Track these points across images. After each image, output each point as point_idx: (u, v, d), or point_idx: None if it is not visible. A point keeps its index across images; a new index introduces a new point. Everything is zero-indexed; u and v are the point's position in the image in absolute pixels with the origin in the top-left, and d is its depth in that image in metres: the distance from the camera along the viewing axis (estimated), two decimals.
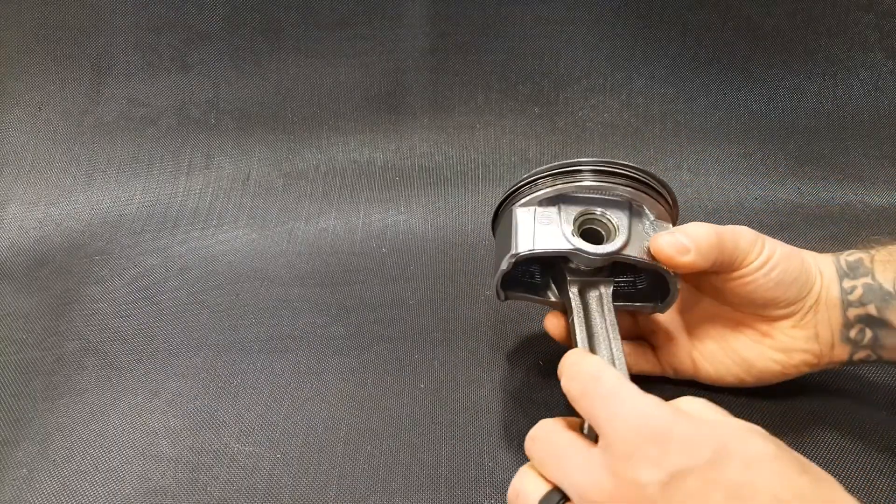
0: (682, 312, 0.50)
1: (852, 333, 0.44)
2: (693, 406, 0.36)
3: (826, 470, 0.31)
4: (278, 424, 0.50)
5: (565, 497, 0.34)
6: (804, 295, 0.44)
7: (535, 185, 0.46)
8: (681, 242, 0.42)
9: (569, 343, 0.45)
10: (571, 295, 0.45)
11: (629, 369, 0.47)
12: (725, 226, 0.43)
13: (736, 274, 0.43)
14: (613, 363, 0.42)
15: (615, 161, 0.45)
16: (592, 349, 0.43)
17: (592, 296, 0.46)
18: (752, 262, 0.43)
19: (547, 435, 0.38)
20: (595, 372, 0.36)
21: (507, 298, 0.48)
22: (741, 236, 0.43)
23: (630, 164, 0.45)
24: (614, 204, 0.45)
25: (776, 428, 0.34)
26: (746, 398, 0.48)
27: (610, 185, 0.44)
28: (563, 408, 0.48)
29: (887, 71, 0.74)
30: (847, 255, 0.45)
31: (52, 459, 0.47)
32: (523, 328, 0.56)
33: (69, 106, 0.74)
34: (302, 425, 0.49)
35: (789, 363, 0.45)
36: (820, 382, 0.50)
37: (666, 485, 0.31)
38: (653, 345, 0.50)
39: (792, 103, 0.75)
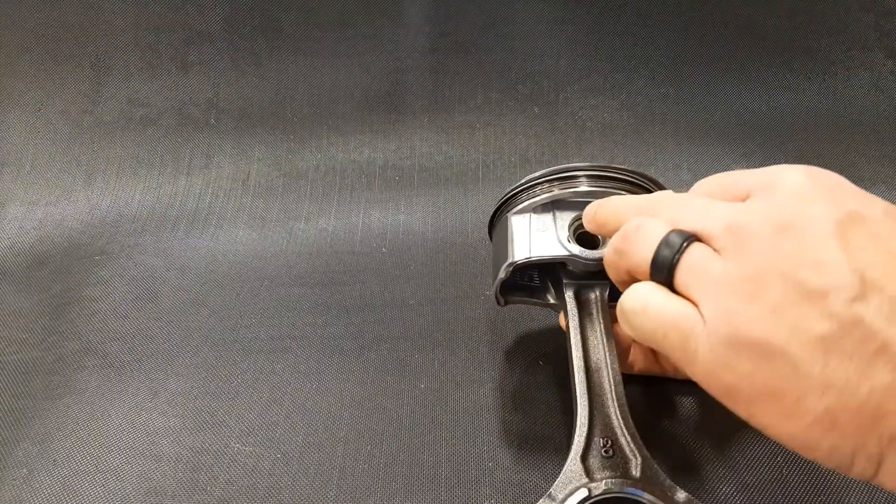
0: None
1: None
2: None
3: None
4: (278, 424, 0.49)
5: (695, 237, 0.32)
6: None
7: (530, 191, 0.46)
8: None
9: None
10: (567, 298, 0.46)
11: (630, 369, 0.48)
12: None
13: None
14: (607, 366, 0.42)
15: (609, 165, 0.45)
16: (587, 351, 0.43)
17: (588, 298, 0.46)
18: None
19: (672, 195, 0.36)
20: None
21: (506, 303, 0.49)
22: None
23: (624, 167, 0.45)
24: None
25: None
26: None
27: (605, 189, 0.45)
28: (565, 408, 0.48)
29: (887, 71, 0.74)
30: None
31: (52, 459, 0.47)
32: (524, 328, 0.56)
33: (69, 106, 0.74)
34: (302, 425, 0.49)
35: None
36: None
37: (841, 221, 0.28)
38: None
39: (792, 103, 0.75)
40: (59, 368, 0.54)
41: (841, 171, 0.31)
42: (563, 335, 0.46)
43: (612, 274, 0.37)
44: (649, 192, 0.46)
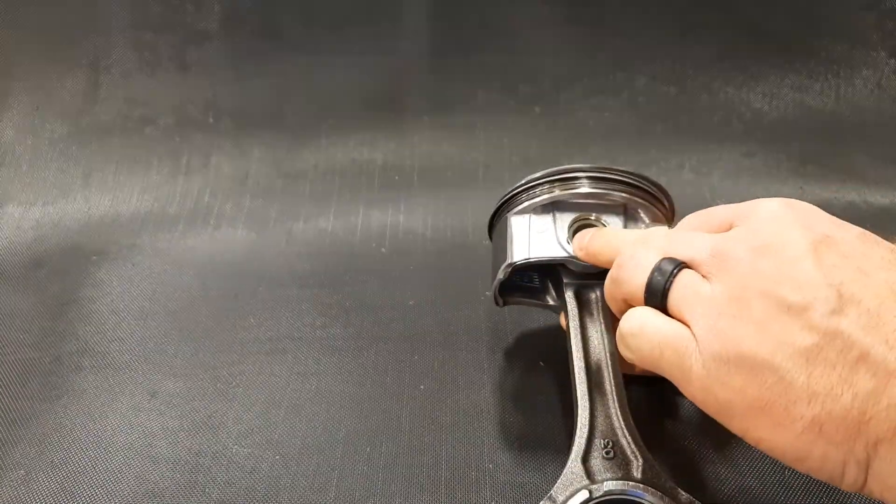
0: None
1: None
2: None
3: None
4: (277, 426, 0.49)
5: (684, 265, 0.34)
6: None
7: (530, 192, 0.46)
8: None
9: None
10: (568, 298, 0.46)
11: (632, 370, 0.47)
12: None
13: None
14: (608, 366, 0.42)
15: (610, 167, 0.45)
16: (587, 352, 0.43)
17: (588, 299, 0.46)
18: None
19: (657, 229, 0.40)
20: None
21: (505, 304, 0.49)
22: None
23: (624, 169, 0.45)
24: (609, 208, 0.45)
25: None
26: None
27: (604, 191, 0.45)
28: (565, 410, 0.48)
29: (890, 70, 0.74)
30: None
31: (49, 460, 0.47)
32: (524, 329, 0.56)
33: (66, 106, 0.74)
34: (301, 426, 0.49)
35: None
36: None
37: (816, 242, 0.30)
38: None
39: (794, 103, 0.75)
40: (56, 369, 0.54)
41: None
42: (564, 336, 0.46)
43: (612, 304, 0.40)
44: (650, 194, 0.46)
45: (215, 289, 0.62)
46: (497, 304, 0.48)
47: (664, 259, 0.35)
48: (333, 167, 0.74)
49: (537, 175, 0.46)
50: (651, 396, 0.49)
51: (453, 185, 0.73)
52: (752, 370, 0.29)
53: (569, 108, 0.76)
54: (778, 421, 0.29)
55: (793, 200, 0.34)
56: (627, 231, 0.43)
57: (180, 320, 0.58)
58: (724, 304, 0.31)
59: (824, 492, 0.43)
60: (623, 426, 0.39)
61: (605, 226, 0.45)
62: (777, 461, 0.30)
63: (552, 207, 0.45)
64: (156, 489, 0.45)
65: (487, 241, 0.52)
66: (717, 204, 0.40)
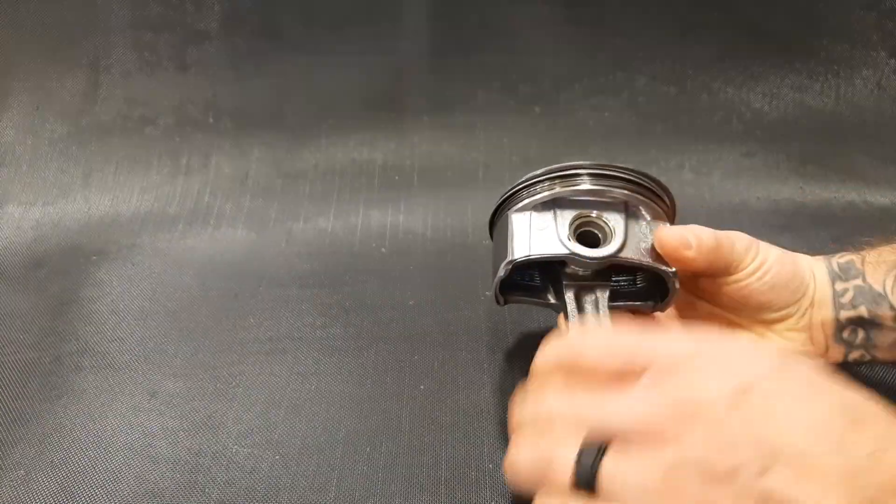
0: (681, 313, 0.49)
1: (845, 334, 0.44)
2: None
3: None
4: (277, 426, 0.49)
5: (603, 447, 0.32)
6: (798, 298, 0.44)
7: (531, 189, 0.46)
8: (685, 236, 0.43)
9: None
10: (568, 299, 0.45)
11: None
12: (722, 231, 0.44)
13: (731, 279, 0.44)
14: None
15: (611, 164, 0.45)
16: None
17: (589, 300, 0.46)
18: (746, 267, 0.44)
19: (555, 389, 0.36)
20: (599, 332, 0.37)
21: (506, 302, 0.49)
22: (737, 240, 0.44)
23: (625, 166, 0.45)
24: (610, 206, 0.45)
25: None
26: None
27: (605, 188, 0.45)
28: None
29: (890, 70, 0.74)
30: (839, 258, 0.45)
31: (49, 460, 0.47)
32: (524, 329, 0.56)
33: (66, 105, 0.74)
34: (301, 427, 0.49)
35: None
36: None
37: (735, 392, 0.29)
38: None
39: (794, 103, 0.75)
40: (56, 369, 0.54)
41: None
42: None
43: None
44: (650, 191, 0.45)
45: (215, 289, 0.62)
46: (498, 302, 0.48)
47: (584, 451, 0.32)
48: (333, 167, 0.74)
49: (538, 172, 0.46)
50: None
51: (453, 185, 0.73)
52: None
53: (569, 108, 0.76)
54: None
55: (703, 336, 0.34)
56: (531, 398, 0.39)
57: (180, 320, 0.58)
58: (656, 487, 0.29)
59: None
60: None
61: (606, 224, 0.45)
62: None
63: (553, 205, 0.45)
64: (156, 489, 0.45)
65: (487, 241, 0.52)
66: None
